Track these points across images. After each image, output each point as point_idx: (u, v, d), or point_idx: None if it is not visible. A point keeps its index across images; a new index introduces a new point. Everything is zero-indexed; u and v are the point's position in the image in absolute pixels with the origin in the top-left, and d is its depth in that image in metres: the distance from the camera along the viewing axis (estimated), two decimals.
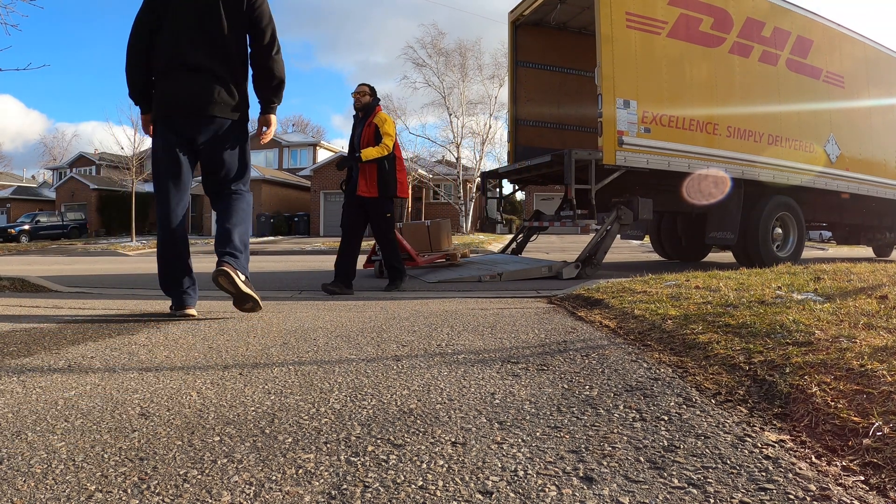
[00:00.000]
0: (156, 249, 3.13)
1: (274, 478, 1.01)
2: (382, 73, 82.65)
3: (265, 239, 22.76)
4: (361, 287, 5.14)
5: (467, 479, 1.01)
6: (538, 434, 1.23)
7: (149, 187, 30.90)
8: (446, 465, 1.06)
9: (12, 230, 26.56)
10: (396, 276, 4.94)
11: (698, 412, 1.36)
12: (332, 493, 0.95)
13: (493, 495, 0.94)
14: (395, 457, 1.11)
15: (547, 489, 0.96)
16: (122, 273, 7.67)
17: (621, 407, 1.41)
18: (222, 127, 2.92)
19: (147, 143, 25.21)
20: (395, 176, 4.85)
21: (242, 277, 2.76)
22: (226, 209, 2.98)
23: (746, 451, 1.12)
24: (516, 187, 9.67)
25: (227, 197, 3.02)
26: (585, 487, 0.97)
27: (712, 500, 0.92)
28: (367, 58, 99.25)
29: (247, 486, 0.98)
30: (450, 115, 27.12)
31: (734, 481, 0.98)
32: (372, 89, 4.93)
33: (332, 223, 27.71)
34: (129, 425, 1.29)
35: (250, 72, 3.03)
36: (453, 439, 1.20)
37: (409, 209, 27.43)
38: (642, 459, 1.08)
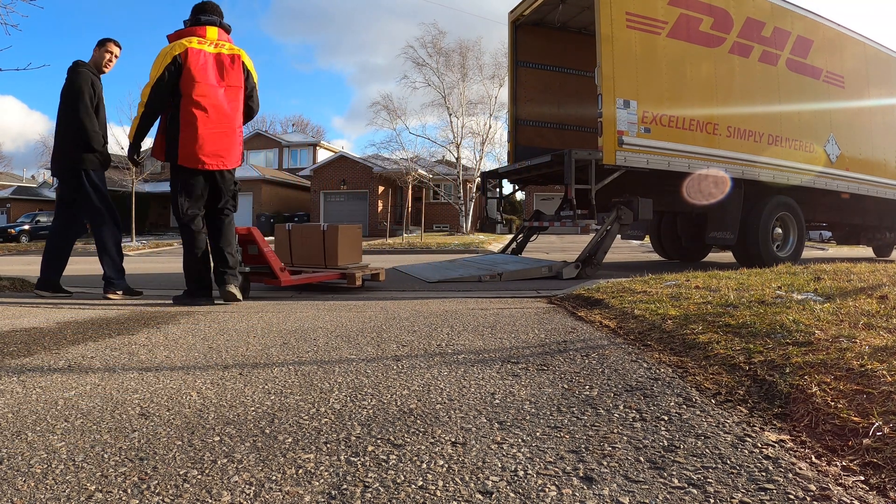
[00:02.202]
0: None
1: (274, 478, 1.01)
2: (382, 75, 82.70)
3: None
4: (362, 287, 5.15)
5: (467, 479, 1.01)
6: (538, 434, 1.23)
7: (149, 187, 30.94)
8: (446, 465, 1.06)
9: (12, 230, 26.53)
10: (193, 292, 3.74)
11: (698, 412, 1.36)
12: (332, 493, 0.95)
13: (493, 495, 0.94)
14: (395, 457, 1.11)
15: (547, 489, 0.96)
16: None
17: (621, 407, 1.41)
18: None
19: (147, 144, 25.24)
20: (177, 135, 3.54)
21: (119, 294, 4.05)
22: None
23: (746, 451, 1.12)
24: (516, 187, 9.67)
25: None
26: (585, 487, 0.97)
27: (712, 500, 0.92)
28: (367, 59, 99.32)
29: (247, 486, 0.98)
30: (450, 115, 27.12)
31: (734, 481, 0.98)
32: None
33: (332, 223, 27.66)
34: (129, 425, 1.29)
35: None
36: (453, 439, 1.20)
37: (410, 209, 27.46)
38: (642, 459, 1.08)
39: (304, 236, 5.22)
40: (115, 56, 4.14)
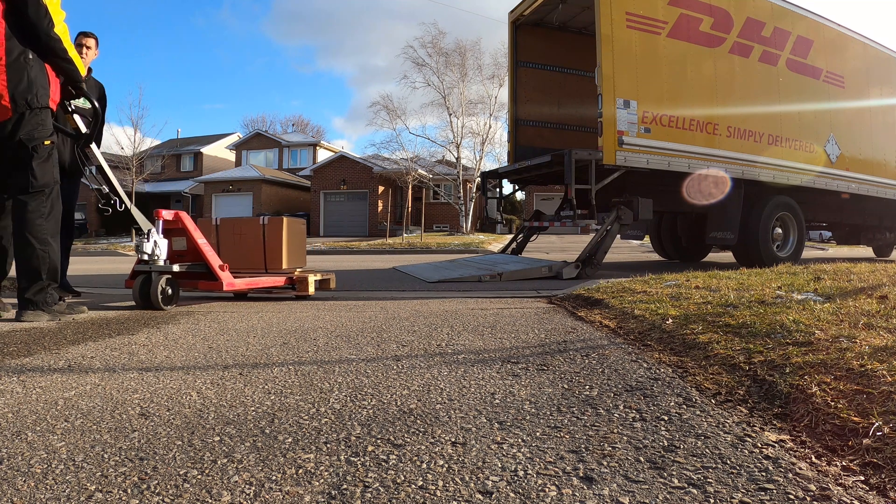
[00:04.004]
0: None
1: (274, 478, 1.01)
2: (382, 76, 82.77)
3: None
4: (363, 287, 5.15)
5: (467, 479, 1.01)
6: (538, 434, 1.23)
7: (149, 187, 30.94)
8: (446, 465, 1.06)
9: None
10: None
11: (698, 412, 1.36)
12: (332, 493, 0.95)
13: (493, 495, 0.94)
14: (395, 457, 1.11)
15: (547, 489, 0.96)
16: (122, 273, 7.67)
17: (621, 407, 1.41)
18: None
19: (148, 143, 25.42)
20: None
21: None
22: None
23: (746, 451, 1.12)
24: (516, 187, 9.68)
25: None
26: (585, 487, 0.97)
27: (712, 500, 0.92)
28: (368, 61, 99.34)
29: (247, 486, 0.98)
30: (450, 115, 27.14)
31: (734, 481, 0.98)
32: None
33: (332, 223, 27.71)
34: (129, 425, 1.29)
35: None
36: (453, 439, 1.20)
37: (410, 209, 27.48)
38: (642, 459, 1.08)
39: (238, 233, 4.20)
40: (87, 47, 4.06)
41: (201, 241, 3.53)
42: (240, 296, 4.20)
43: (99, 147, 3.75)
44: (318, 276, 4.25)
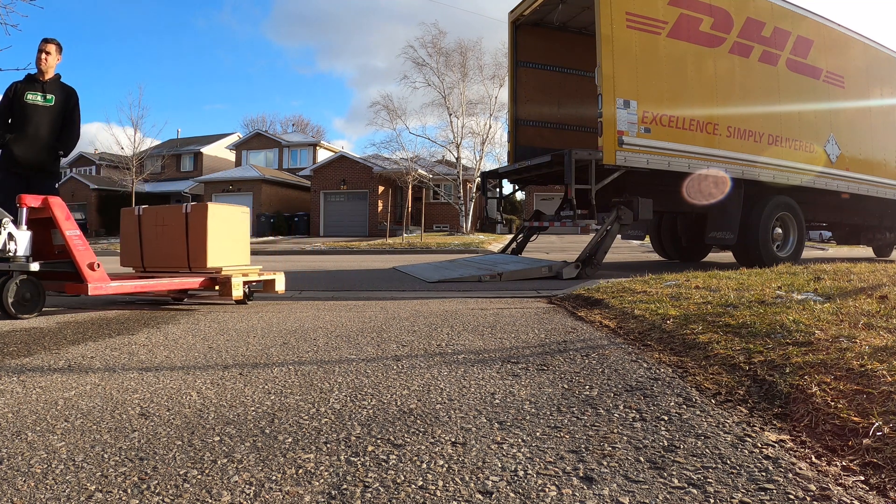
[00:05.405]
0: None
1: (274, 478, 1.01)
2: (382, 77, 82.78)
3: (265, 239, 22.76)
4: (363, 287, 5.15)
5: (467, 479, 1.01)
6: (538, 434, 1.23)
7: (149, 187, 30.91)
8: (446, 465, 1.06)
9: None
10: None
11: (698, 412, 1.36)
12: (332, 493, 0.95)
13: (493, 495, 0.94)
14: (395, 457, 1.11)
15: (547, 489, 0.96)
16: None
17: (621, 407, 1.41)
18: None
19: (148, 143, 25.45)
20: None
21: None
22: None
23: (746, 451, 1.12)
24: (516, 187, 9.68)
25: None
26: (585, 487, 0.97)
27: (712, 500, 0.92)
28: (368, 62, 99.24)
29: (247, 486, 0.98)
30: (450, 115, 27.13)
31: (734, 481, 0.98)
32: None
33: (332, 223, 27.70)
34: (129, 425, 1.29)
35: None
36: (453, 439, 1.20)
37: (410, 209, 27.49)
38: (642, 459, 1.08)
39: (161, 224, 3.51)
40: (45, 52, 4.14)
41: (70, 232, 2.93)
42: (178, 300, 3.75)
43: (67, 155, 4.13)
44: (253, 276, 3.51)
